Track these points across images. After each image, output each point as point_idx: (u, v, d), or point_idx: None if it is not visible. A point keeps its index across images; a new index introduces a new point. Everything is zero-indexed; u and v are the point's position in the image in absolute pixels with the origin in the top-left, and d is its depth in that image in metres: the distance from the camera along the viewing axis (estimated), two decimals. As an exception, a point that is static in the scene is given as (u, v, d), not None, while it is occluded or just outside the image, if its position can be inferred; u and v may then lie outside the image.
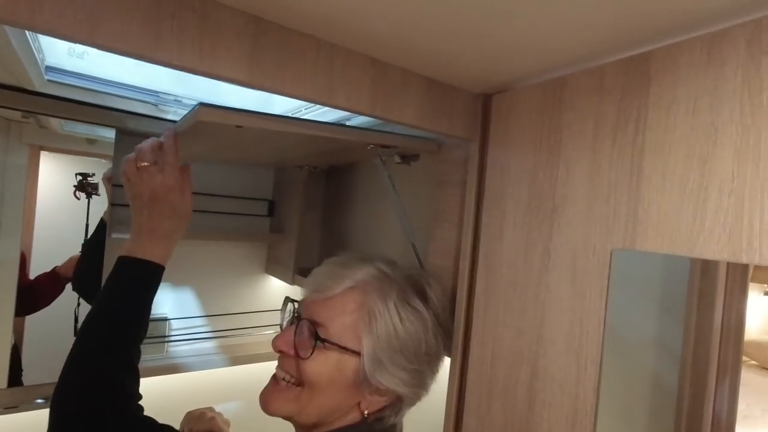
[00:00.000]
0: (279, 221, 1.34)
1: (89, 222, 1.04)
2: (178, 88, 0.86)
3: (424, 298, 0.59)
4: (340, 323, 0.54)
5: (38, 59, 0.71)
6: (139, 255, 0.55)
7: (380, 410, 0.56)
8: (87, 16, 0.36)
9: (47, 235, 1.06)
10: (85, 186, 1.04)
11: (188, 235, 1.31)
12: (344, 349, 0.53)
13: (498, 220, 0.59)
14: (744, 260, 0.34)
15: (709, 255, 0.36)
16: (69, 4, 0.36)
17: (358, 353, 0.53)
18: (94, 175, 1.07)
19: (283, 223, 1.30)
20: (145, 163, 0.56)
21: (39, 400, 0.96)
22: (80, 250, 1.06)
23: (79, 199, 1.05)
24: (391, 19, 0.43)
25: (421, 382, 0.57)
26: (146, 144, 0.57)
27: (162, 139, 0.58)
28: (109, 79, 0.80)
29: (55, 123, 1.23)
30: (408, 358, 0.54)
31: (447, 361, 0.64)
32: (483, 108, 0.65)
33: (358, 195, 1.12)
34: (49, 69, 0.75)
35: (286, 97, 0.62)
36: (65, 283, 1.01)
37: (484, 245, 0.61)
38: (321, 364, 0.53)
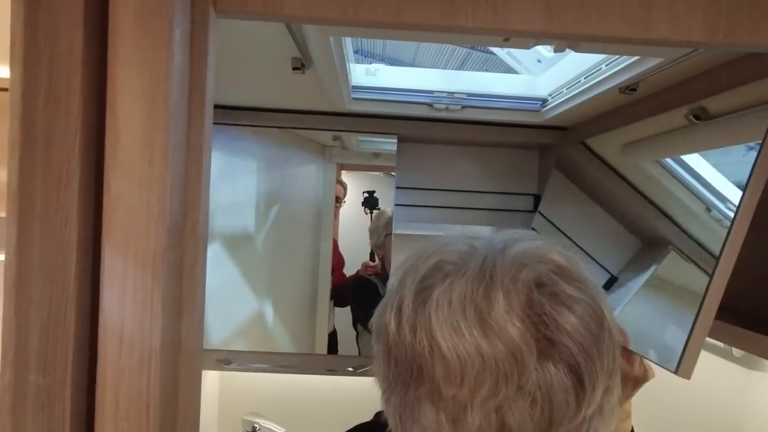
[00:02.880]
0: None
1: (373, 233, 1.22)
2: (448, 84, 0.90)
3: None
4: None
5: (348, 82, 0.86)
6: None
7: None
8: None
9: (345, 244, 1.30)
10: (369, 201, 1.23)
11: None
12: None
13: None
14: None
15: None
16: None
17: None
18: (375, 192, 1.25)
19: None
20: None
21: (349, 368, 1.17)
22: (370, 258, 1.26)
23: (366, 213, 1.24)
24: None
25: None
26: None
27: None
28: (393, 87, 0.90)
29: (353, 142, 1.51)
30: None
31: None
32: None
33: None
34: (354, 88, 0.90)
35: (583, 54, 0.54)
36: (365, 286, 1.22)
37: None
38: None
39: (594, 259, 0.80)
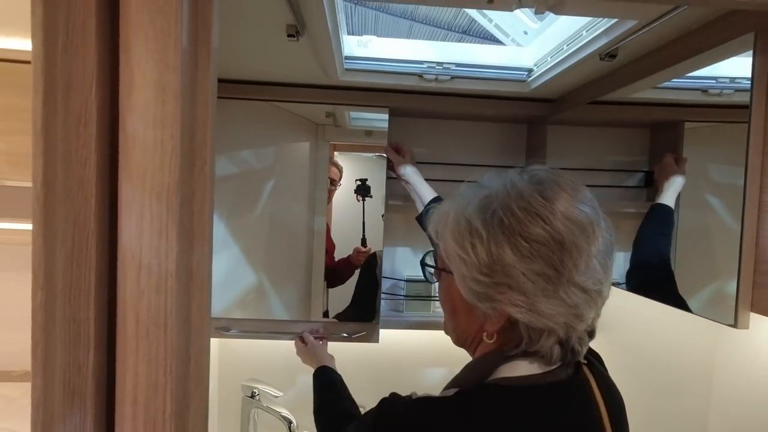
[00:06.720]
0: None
1: (365, 220, 1.25)
2: (438, 55, 0.93)
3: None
4: (446, 247, 0.57)
5: (342, 51, 0.89)
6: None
7: (502, 333, 0.56)
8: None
9: (338, 230, 1.33)
10: (362, 189, 1.27)
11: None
12: (444, 270, 0.59)
13: None
14: None
15: None
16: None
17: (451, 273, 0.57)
18: (367, 180, 1.28)
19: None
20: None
21: (344, 334, 1.22)
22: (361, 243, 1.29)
23: (358, 201, 1.27)
24: None
25: (514, 297, 0.52)
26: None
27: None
28: (384, 57, 0.93)
29: (346, 119, 1.54)
30: (484, 274, 0.53)
31: None
32: None
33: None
34: (346, 59, 0.93)
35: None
36: (355, 270, 1.25)
37: None
38: (441, 288, 0.63)
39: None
